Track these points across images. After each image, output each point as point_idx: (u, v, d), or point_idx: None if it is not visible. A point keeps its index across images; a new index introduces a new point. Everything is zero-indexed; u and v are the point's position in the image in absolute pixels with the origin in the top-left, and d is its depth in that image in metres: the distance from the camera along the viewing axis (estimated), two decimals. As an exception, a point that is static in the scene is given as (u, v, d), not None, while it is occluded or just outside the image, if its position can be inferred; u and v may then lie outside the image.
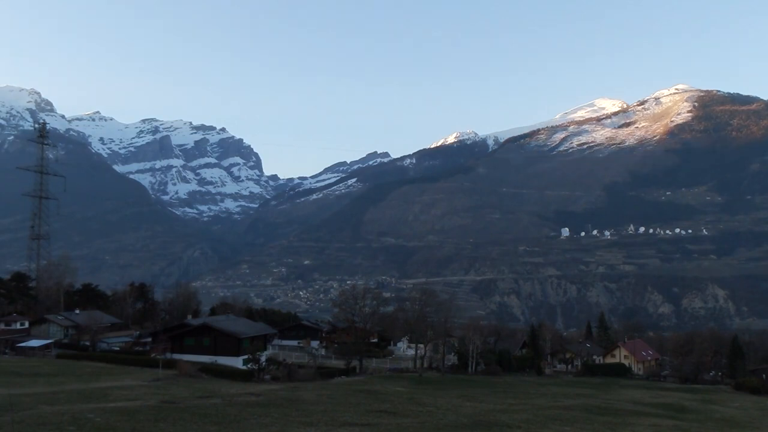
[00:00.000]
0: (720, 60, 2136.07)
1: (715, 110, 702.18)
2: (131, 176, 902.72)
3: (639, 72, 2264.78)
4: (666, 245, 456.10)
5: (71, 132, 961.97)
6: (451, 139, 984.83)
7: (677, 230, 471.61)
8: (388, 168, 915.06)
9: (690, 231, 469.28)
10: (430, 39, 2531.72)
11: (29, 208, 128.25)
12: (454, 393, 58.31)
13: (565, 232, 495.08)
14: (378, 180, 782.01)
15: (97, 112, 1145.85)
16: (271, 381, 64.55)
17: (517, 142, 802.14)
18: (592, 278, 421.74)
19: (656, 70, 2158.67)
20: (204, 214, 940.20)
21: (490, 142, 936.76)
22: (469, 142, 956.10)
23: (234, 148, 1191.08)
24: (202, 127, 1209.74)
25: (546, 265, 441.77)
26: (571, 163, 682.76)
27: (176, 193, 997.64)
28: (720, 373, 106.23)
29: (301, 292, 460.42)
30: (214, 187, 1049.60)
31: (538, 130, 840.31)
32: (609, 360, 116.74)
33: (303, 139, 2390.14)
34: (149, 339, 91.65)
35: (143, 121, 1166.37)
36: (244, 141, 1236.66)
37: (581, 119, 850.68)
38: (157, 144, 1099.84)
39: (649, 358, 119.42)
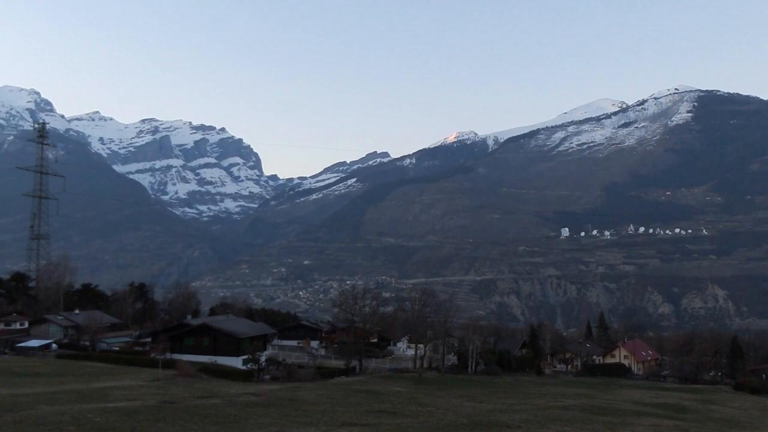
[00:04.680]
0: (720, 60, 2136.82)
1: (715, 110, 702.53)
2: (131, 176, 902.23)
3: (639, 72, 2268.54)
4: (666, 245, 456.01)
5: (71, 132, 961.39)
6: (450, 139, 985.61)
7: (677, 230, 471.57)
8: (387, 168, 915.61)
9: (690, 231, 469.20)
10: (430, 38, 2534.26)
11: (29, 208, 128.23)
12: (454, 393, 58.28)
13: (565, 232, 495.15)
14: (378, 180, 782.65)
15: (97, 112, 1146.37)
16: (270, 381, 64.49)
17: (517, 142, 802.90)
18: (592, 278, 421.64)
19: (656, 70, 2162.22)
20: (204, 214, 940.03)
21: (490, 142, 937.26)
22: (468, 142, 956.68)
23: (234, 148, 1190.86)
24: (202, 127, 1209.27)
25: (546, 265, 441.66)
26: (571, 163, 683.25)
27: (176, 193, 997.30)
28: (720, 373, 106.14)
29: (301, 292, 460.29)
30: (214, 187, 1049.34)
31: (538, 130, 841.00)
32: (609, 360, 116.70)
33: (303, 139, 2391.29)
34: (149, 339, 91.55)
35: (143, 121, 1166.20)
36: (243, 141, 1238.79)
37: (581, 119, 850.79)
38: (156, 144, 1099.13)
39: (648, 358, 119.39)
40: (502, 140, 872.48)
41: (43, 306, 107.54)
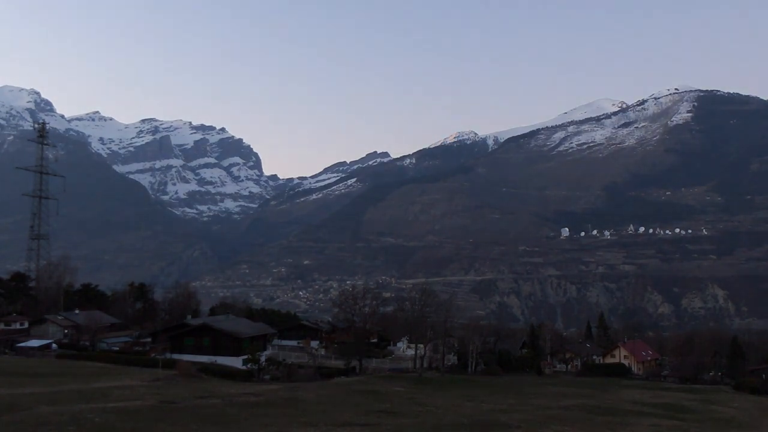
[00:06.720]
0: (720, 60, 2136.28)
1: (715, 110, 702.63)
2: (131, 176, 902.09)
3: (639, 72, 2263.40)
4: (666, 245, 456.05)
5: (71, 132, 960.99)
6: (450, 139, 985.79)
7: (677, 230, 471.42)
8: (387, 168, 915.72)
9: (690, 231, 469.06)
10: (430, 38, 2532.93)
11: (29, 208, 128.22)
12: (453, 393, 58.29)
13: (565, 232, 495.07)
14: (378, 180, 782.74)
15: (97, 112, 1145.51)
16: (270, 381, 64.49)
17: (517, 142, 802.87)
18: (592, 278, 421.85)
19: (656, 70, 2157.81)
20: (204, 214, 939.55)
21: (490, 142, 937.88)
22: (468, 142, 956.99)
23: (234, 148, 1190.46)
24: (202, 127, 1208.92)
25: (546, 265, 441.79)
26: (571, 163, 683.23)
27: (176, 193, 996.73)
28: (720, 373, 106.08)
29: (301, 292, 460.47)
30: (214, 187, 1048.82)
31: (538, 130, 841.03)
32: (609, 360, 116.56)
33: (303, 139, 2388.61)
34: (149, 339, 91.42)
35: (143, 121, 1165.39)
36: (243, 141, 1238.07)
37: (581, 119, 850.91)
38: (156, 144, 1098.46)
39: (648, 358, 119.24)
40: (502, 140, 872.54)
41: (43, 306, 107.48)
